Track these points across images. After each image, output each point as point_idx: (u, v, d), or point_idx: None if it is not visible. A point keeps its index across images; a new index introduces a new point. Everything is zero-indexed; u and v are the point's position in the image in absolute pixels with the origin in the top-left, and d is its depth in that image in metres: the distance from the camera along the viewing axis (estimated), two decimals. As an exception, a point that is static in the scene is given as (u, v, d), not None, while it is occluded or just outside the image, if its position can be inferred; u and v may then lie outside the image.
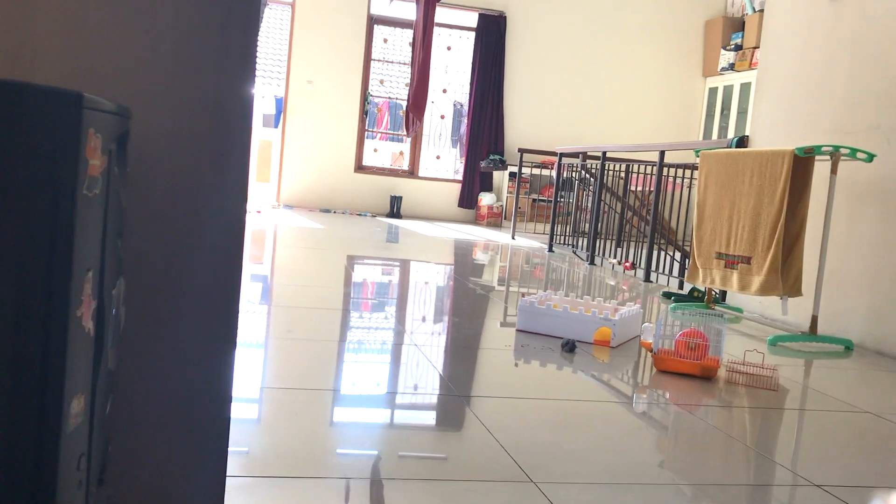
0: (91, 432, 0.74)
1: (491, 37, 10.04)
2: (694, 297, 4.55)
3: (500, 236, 8.45)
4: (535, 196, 9.91)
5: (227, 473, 1.50)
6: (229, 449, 1.62)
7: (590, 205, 6.68)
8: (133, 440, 0.97)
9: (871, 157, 3.45)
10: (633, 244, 6.46)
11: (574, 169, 7.28)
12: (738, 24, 10.08)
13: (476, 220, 10.16)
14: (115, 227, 0.78)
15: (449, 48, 10.35)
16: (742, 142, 4.57)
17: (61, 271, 0.65)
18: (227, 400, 1.01)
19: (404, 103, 9.68)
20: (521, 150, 8.36)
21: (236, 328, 1.01)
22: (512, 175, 9.75)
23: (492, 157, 10.03)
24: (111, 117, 0.73)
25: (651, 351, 2.81)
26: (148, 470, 0.98)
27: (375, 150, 10.36)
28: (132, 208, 0.96)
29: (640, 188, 7.21)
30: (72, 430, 0.69)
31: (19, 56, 0.91)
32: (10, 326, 0.65)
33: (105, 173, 0.72)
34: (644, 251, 5.63)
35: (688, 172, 5.57)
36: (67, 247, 0.65)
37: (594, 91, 10.39)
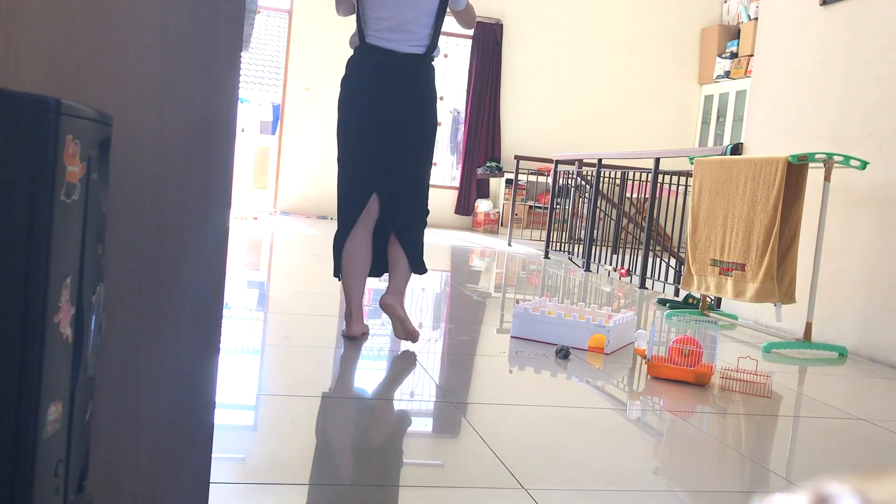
0: (69, 439, 0.74)
1: (487, 44, 10.06)
2: (689, 303, 4.55)
3: (497, 243, 8.45)
4: (531, 203, 9.91)
5: (223, 480, 1.50)
6: (225, 456, 1.62)
7: (586, 212, 6.68)
8: (116, 447, 0.96)
9: (864, 165, 3.46)
10: (628, 251, 6.46)
11: (570, 176, 7.29)
12: (734, 32, 10.11)
13: (473, 227, 10.16)
14: (94, 233, 0.78)
15: (446, 56, 10.36)
16: (736, 149, 4.58)
17: (38, 277, 0.65)
18: (210, 406, 1.00)
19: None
20: (518, 157, 8.37)
21: (220, 334, 1.00)
22: (508, 182, 9.75)
23: (488, 164, 10.03)
24: (91, 124, 0.73)
25: (645, 358, 2.81)
26: (131, 477, 0.97)
27: (372, 158, 10.35)
28: (117, 215, 0.96)
29: (636, 195, 7.22)
30: (49, 436, 0.68)
31: (4, 64, 0.91)
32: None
33: (84, 179, 0.72)
34: (640, 258, 5.63)
35: (683, 179, 5.58)
36: (44, 253, 0.65)
37: (590, 98, 10.41)
